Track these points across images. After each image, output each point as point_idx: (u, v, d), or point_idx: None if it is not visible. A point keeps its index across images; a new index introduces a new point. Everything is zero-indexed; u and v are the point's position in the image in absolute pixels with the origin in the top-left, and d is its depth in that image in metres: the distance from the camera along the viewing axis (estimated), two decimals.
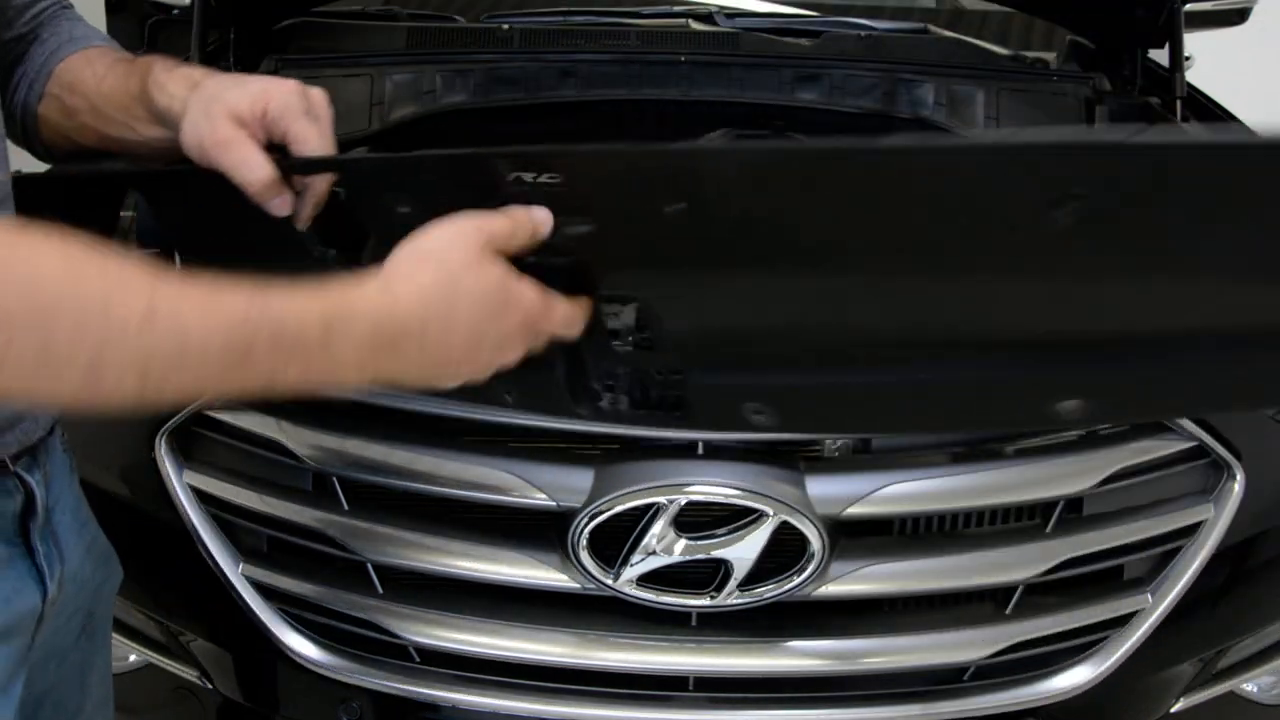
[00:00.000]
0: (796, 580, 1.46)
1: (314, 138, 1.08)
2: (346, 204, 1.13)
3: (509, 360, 0.96)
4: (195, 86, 1.11)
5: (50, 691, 1.18)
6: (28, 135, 1.21)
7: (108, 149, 1.21)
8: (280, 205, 1.08)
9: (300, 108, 1.08)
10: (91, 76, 1.18)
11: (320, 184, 1.10)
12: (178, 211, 1.28)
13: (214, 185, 1.07)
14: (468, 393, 1.00)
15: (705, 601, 1.47)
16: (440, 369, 0.92)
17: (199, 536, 1.53)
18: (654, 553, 1.44)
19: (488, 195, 0.99)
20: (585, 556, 1.45)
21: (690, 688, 1.54)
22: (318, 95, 1.11)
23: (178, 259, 1.34)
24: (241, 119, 1.07)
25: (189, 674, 1.66)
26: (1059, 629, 1.55)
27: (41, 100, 1.19)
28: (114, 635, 1.64)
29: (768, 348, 1.05)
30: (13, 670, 1.05)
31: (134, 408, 0.78)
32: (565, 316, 1.00)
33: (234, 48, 2.27)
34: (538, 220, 0.97)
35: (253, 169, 1.05)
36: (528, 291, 0.95)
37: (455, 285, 0.90)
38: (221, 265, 0.82)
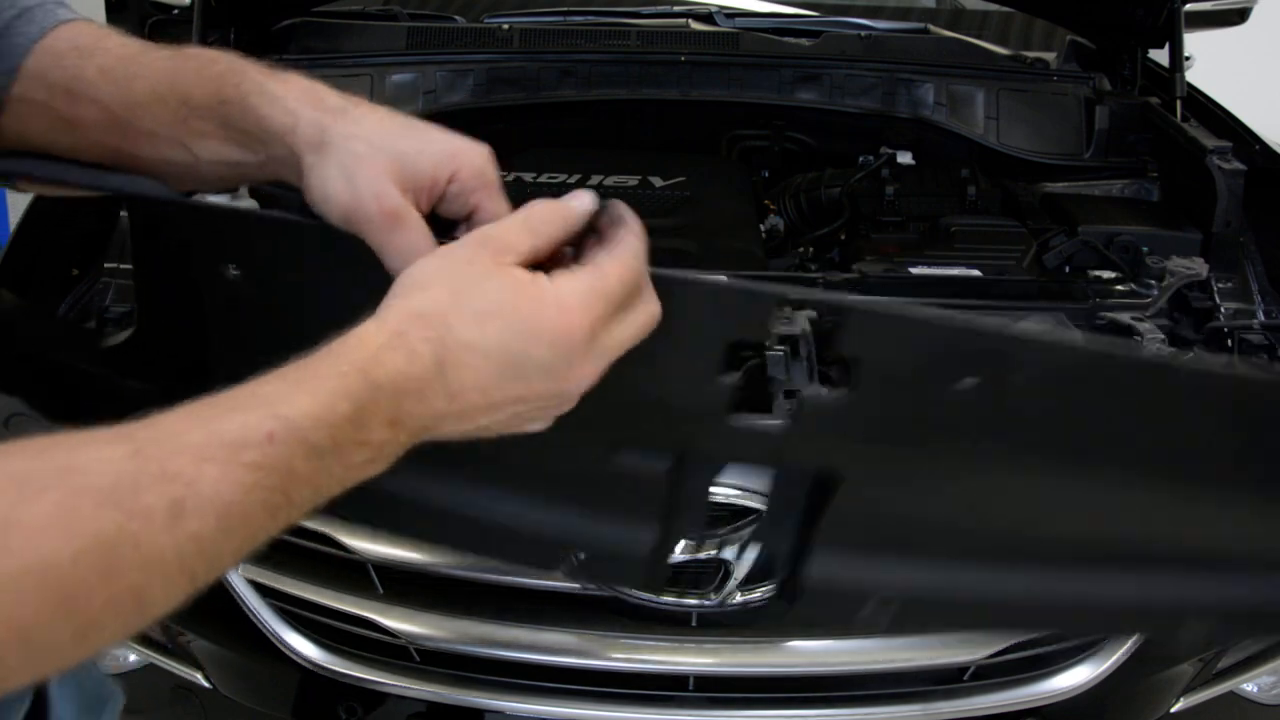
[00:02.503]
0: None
1: (504, 214, 0.84)
2: None
3: (586, 380, 0.76)
4: (336, 113, 0.84)
5: None
6: None
7: (121, 167, 0.89)
8: None
9: (495, 179, 0.86)
10: (101, 74, 0.85)
11: None
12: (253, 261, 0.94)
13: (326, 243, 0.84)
14: (528, 555, 0.93)
15: (706, 601, 1.47)
16: (482, 414, 0.74)
17: None
18: None
19: None
20: (585, 556, 1.45)
21: (691, 687, 1.53)
22: (492, 160, 0.87)
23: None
24: (416, 184, 0.82)
25: (189, 674, 1.66)
26: None
27: (10, 92, 0.86)
28: None
29: (933, 540, 0.97)
30: None
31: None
32: (649, 315, 0.80)
33: (234, 48, 2.27)
34: (570, 206, 0.81)
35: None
36: (570, 296, 0.75)
37: (468, 313, 0.72)
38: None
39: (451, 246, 0.76)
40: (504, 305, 0.72)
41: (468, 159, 0.84)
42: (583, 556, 1.04)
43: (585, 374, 0.76)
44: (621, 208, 0.85)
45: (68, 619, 0.58)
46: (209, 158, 0.87)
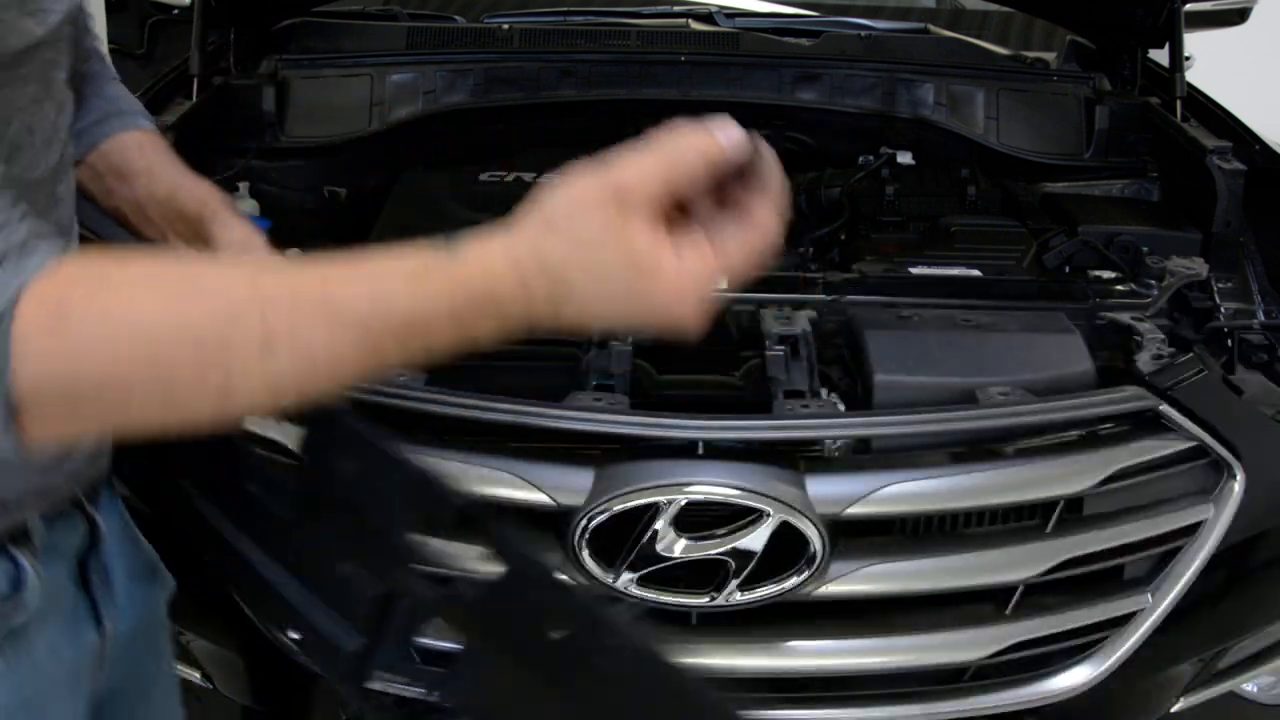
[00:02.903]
0: (796, 580, 1.46)
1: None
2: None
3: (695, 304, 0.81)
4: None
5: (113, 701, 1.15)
6: None
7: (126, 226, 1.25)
8: None
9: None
10: (144, 170, 1.20)
11: None
12: None
13: None
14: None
15: (706, 601, 1.47)
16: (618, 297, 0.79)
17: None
18: (654, 552, 1.44)
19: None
20: (586, 556, 1.45)
21: None
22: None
23: None
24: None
25: (190, 674, 1.66)
26: (1059, 629, 1.54)
27: (77, 165, 1.10)
28: None
29: None
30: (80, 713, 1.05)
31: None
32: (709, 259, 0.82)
33: (234, 48, 2.27)
34: (717, 145, 0.79)
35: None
36: (688, 281, 0.79)
37: (587, 278, 0.77)
38: None
39: (586, 183, 0.79)
40: (621, 283, 0.77)
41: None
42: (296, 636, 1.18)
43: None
44: (763, 146, 0.84)
45: (158, 376, 0.74)
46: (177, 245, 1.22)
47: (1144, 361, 1.66)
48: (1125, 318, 1.77)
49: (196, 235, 1.20)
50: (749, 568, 1.45)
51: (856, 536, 1.51)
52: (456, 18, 2.66)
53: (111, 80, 1.25)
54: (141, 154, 1.21)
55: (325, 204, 2.20)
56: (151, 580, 1.22)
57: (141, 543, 1.21)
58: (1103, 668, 1.55)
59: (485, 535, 1.06)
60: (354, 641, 1.12)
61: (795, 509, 1.43)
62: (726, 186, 0.83)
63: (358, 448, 1.07)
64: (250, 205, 2.03)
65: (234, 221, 1.23)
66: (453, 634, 1.12)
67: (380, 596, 1.09)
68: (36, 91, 0.89)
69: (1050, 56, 2.64)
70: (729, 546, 1.44)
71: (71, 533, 1.03)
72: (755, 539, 1.44)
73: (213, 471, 1.22)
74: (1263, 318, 1.88)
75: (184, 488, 1.26)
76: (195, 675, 1.65)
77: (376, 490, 1.07)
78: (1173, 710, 1.65)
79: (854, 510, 1.46)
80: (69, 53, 0.97)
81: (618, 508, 1.43)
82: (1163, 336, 1.73)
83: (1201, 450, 1.56)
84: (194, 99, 2.11)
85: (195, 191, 1.23)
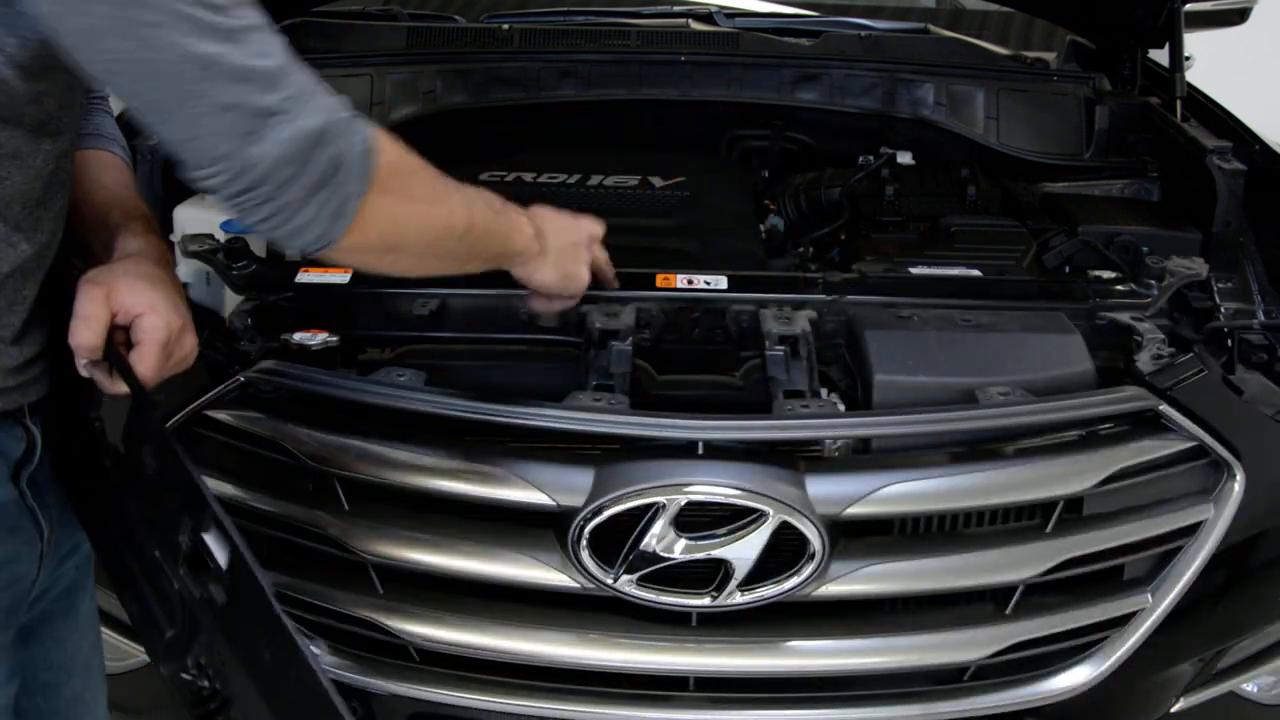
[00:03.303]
0: (797, 580, 1.46)
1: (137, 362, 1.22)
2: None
3: (587, 260, 1.62)
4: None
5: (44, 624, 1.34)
6: None
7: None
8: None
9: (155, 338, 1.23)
10: (95, 181, 1.34)
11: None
12: None
13: None
14: None
15: (706, 601, 1.47)
16: (561, 258, 1.57)
17: None
18: (654, 552, 1.44)
19: None
20: (585, 556, 1.45)
21: (691, 688, 1.53)
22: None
23: None
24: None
25: (189, 674, 1.66)
26: (1059, 629, 1.54)
27: None
28: (114, 635, 1.65)
29: None
30: (18, 600, 1.23)
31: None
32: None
33: None
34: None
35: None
36: (585, 225, 1.63)
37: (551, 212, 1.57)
38: None
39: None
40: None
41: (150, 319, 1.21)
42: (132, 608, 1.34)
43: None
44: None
45: (464, 249, 1.39)
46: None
47: (1144, 361, 1.66)
48: (1125, 318, 1.77)
49: (109, 243, 1.31)
50: (749, 568, 1.45)
51: (856, 537, 1.51)
52: (456, 18, 2.66)
53: (102, 111, 1.45)
54: (101, 170, 1.36)
55: None
56: (78, 528, 1.37)
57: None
58: (1103, 668, 1.55)
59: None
60: (169, 628, 1.25)
61: (795, 509, 1.43)
62: None
63: (154, 443, 1.23)
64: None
65: (142, 236, 1.33)
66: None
67: (180, 594, 1.23)
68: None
69: (1050, 56, 2.64)
70: (729, 547, 1.44)
71: (11, 440, 1.19)
72: (755, 539, 1.44)
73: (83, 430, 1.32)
74: (1263, 318, 1.89)
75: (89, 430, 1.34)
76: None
77: (166, 487, 1.23)
78: (1173, 710, 1.66)
79: (854, 510, 1.46)
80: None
81: (617, 508, 1.43)
82: (1163, 336, 1.73)
83: (1201, 450, 1.57)
84: None
85: (127, 206, 1.36)
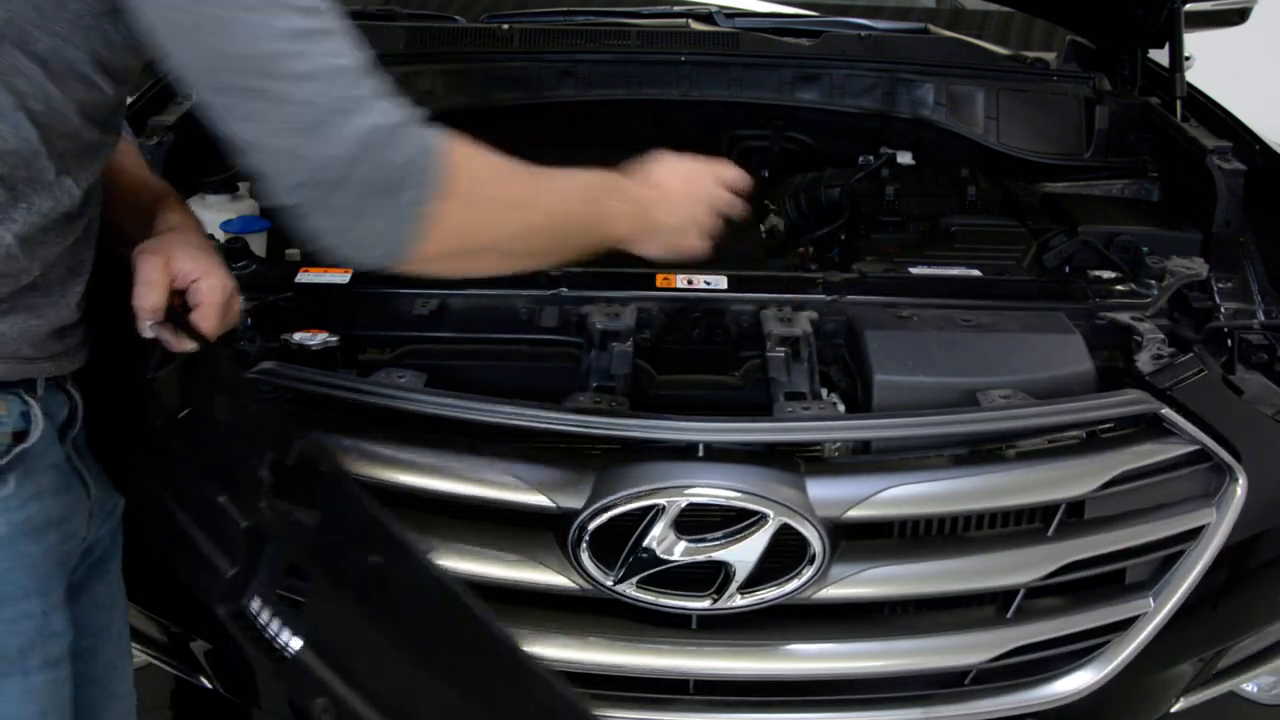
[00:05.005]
0: (797, 583, 1.46)
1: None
2: None
3: (705, 213, 1.48)
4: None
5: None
6: None
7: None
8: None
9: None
10: (117, 166, 1.36)
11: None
12: None
13: None
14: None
15: (706, 604, 1.47)
16: (672, 216, 1.45)
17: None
18: (654, 554, 1.44)
19: None
20: (585, 558, 1.45)
21: (691, 690, 1.53)
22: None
23: None
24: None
25: (188, 673, 1.66)
26: (1060, 633, 1.54)
27: None
28: None
29: None
30: (70, 555, 1.27)
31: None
32: (718, 192, 1.51)
33: None
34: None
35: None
36: (700, 171, 1.52)
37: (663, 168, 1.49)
38: None
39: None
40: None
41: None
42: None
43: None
44: None
45: (560, 232, 1.32)
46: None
47: (1144, 362, 1.66)
48: (1125, 318, 1.77)
49: (147, 220, 1.38)
50: (749, 571, 1.45)
51: (857, 539, 1.51)
52: (456, 18, 2.66)
53: None
54: (121, 156, 1.39)
55: None
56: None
57: None
58: (1104, 672, 1.54)
59: (316, 471, 1.25)
60: (230, 568, 1.29)
61: (796, 511, 1.43)
62: None
63: (229, 389, 1.31)
64: (249, 205, 2.03)
65: (179, 210, 1.43)
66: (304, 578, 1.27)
67: (250, 529, 1.27)
68: None
69: (1050, 56, 2.64)
70: (729, 549, 1.44)
71: (57, 403, 1.24)
72: (756, 542, 1.44)
73: (133, 393, 1.38)
74: (1263, 318, 1.88)
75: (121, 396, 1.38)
76: (195, 675, 1.65)
77: (243, 428, 1.30)
78: (1173, 710, 1.65)
79: (855, 513, 1.46)
80: None
81: (618, 510, 1.43)
82: (1163, 336, 1.73)
83: (1203, 454, 1.56)
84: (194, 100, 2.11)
85: (155, 187, 1.45)
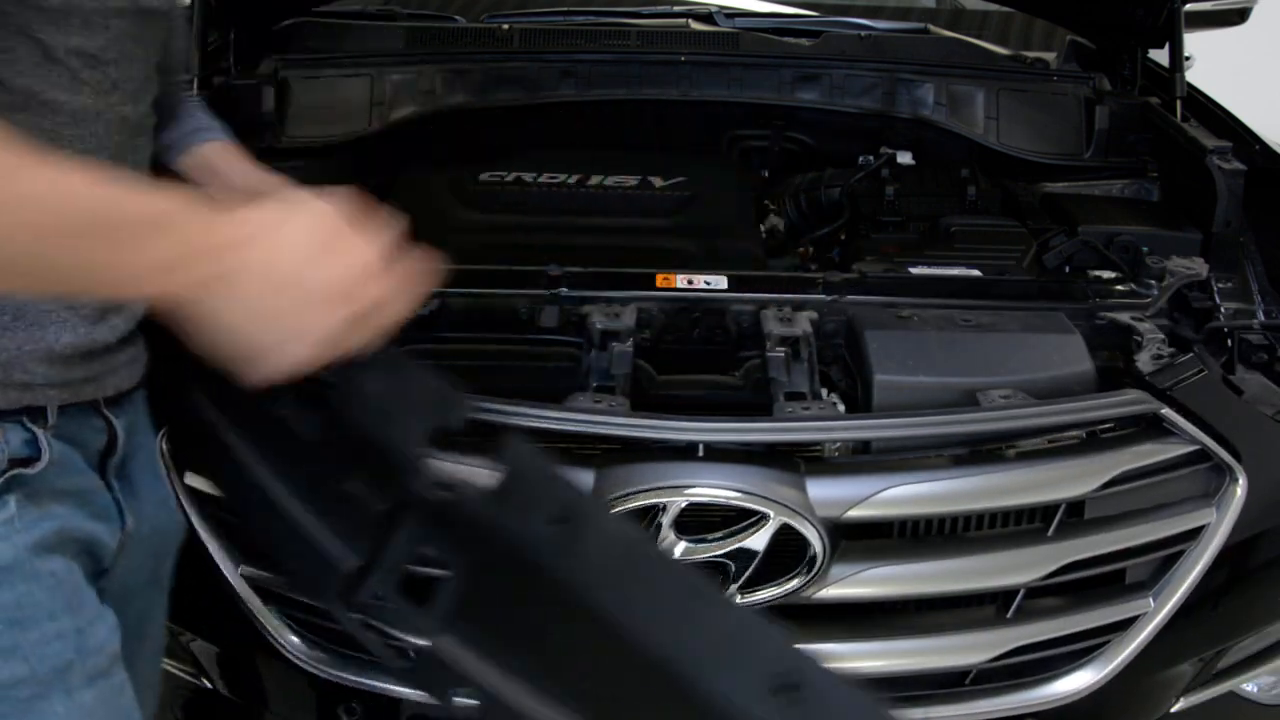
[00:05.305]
0: (797, 583, 1.46)
1: None
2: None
3: (332, 323, 1.02)
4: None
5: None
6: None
7: None
8: None
9: None
10: (226, 168, 1.43)
11: None
12: None
13: None
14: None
15: None
16: (266, 312, 1.00)
17: (199, 537, 1.53)
18: None
19: None
20: None
21: None
22: None
23: None
24: None
25: (189, 674, 1.66)
26: (1061, 633, 1.54)
27: (176, 162, 1.43)
28: None
29: None
30: (92, 578, 1.17)
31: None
32: (393, 286, 1.06)
33: (234, 47, 2.27)
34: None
35: None
36: (363, 247, 1.03)
37: (288, 216, 1.02)
38: None
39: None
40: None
41: None
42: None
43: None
44: None
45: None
46: None
47: (1144, 362, 1.66)
48: (1125, 318, 1.77)
49: None
50: (749, 570, 1.45)
51: (857, 539, 1.51)
52: (456, 18, 2.66)
53: (200, 106, 1.52)
54: (225, 159, 1.45)
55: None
56: (177, 522, 1.37)
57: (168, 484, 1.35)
58: (1104, 672, 1.54)
59: (492, 441, 1.15)
60: (350, 561, 1.18)
61: (796, 511, 1.43)
62: None
63: (383, 365, 1.15)
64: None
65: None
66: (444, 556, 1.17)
67: (384, 513, 1.17)
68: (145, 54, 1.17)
69: (1050, 56, 2.64)
70: (729, 549, 1.44)
71: (89, 430, 1.16)
72: (756, 541, 1.44)
73: (231, 388, 1.22)
74: (1263, 318, 1.88)
75: (197, 399, 1.31)
76: (195, 675, 1.65)
77: (396, 404, 1.16)
78: (1173, 710, 1.65)
79: (855, 513, 1.46)
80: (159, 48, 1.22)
81: (618, 509, 1.43)
82: (1163, 336, 1.73)
83: (1203, 454, 1.56)
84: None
85: (267, 183, 1.43)
